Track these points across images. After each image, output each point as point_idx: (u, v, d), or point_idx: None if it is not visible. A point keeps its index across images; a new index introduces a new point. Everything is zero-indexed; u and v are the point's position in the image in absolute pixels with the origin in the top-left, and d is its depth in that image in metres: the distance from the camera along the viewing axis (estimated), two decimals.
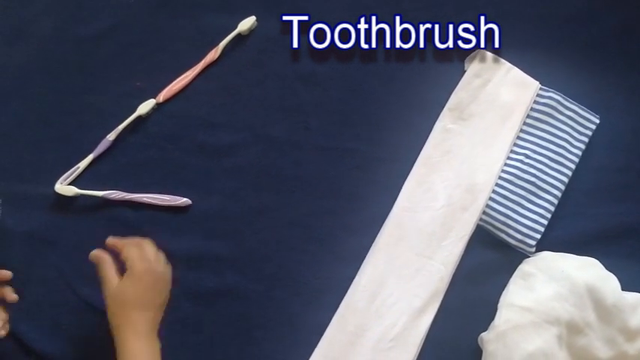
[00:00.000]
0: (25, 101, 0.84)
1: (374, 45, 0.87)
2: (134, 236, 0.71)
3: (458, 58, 0.87)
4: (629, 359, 0.72)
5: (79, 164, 0.80)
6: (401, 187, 0.81)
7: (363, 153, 0.83)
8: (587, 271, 0.74)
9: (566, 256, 0.77)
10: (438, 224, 0.79)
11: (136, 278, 0.66)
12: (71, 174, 0.80)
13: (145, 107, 0.82)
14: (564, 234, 0.80)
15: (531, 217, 0.79)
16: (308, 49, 0.87)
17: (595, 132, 0.83)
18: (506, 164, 0.81)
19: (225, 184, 0.81)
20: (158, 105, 0.84)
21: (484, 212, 0.79)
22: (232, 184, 0.81)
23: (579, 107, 0.83)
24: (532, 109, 0.84)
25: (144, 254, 0.68)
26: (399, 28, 0.87)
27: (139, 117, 0.83)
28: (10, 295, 0.69)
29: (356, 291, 0.76)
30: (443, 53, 0.87)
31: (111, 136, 0.82)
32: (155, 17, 0.88)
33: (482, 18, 0.88)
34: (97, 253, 0.68)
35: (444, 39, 0.88)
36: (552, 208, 0.79)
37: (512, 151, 0.82)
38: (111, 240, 0.70)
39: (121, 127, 0.82)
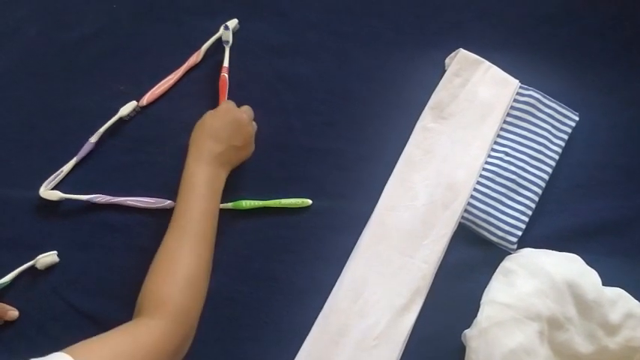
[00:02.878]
0: (9, 106, 0.85)
1: (355, 45, 0.88)
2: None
3: (438, 57, 0.87)
4: (610, 353, 0.73)
5: (63, 168, 0.81)
6: (383, 187, 0.82)
7: (346, 153, 0.83)
8: (567, 267, 0.75)
9: (547, 252, 0.78)
10: (419, 223, 0.79)
11: (216, 113, 0.75)
12: (55, 178, 0.80)
13: (126, 109, 0.83)
14: (545, 230, 0.80)
15: (512, 214, 0.79)
16: (290, 51, 0.87)
17: (574, 129, 0.84)
18: (486, 162, 0.82)
19: None
20: (141, 108, 0.84)
21: (465, 210, 0.80)
22: None
23: (559, 105, 0.84)
24: (512, 107, 0.84)
25: (233, 104, 0.77)
26: (379, 28, 0.88)
27: (121, 119, 0.83)
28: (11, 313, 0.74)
29: (339, 290, 0.77)
30: (423, 53, 0.88)
31: (93, 139, 0.82)
32: (138, 22, 0.89)
33: (462, 17, 0.88)
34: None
35: (424, 38, 0.88)
36: (533, 205, 0.80)
37: (492, 149, 0.83)
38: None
39: (102, 129, 0.82)
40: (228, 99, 0.83)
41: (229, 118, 0.74)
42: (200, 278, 0.65)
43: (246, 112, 0.77)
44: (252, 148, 0.78)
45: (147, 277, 0.65)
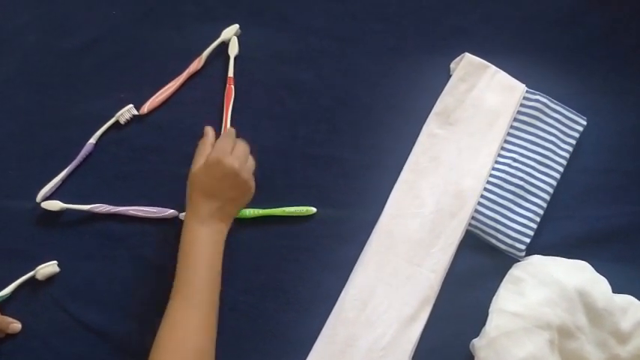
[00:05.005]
0: (8, 114, 0.84)
1: (359, 51, 0.87)
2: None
3: (443, 62, 0.86)
4: None
5: (63, 171, 0.80)
6: (389, 195, 0.81)
7: (351, 160, 0.82)
8: (577, 275, 0.74)
9: (556, 259, 0.77)
10: (426, 231, 0.78)
11: (206, 167, 0.68)
12: (56, 182, 0.79)
13: (124, 115, 0.82)
14: (554, 237, 0.79)
15: (520, 221, 0.78)
16: (293, 57, 0.86)
17: (582, 134, 0.83)
18: (493, 168, 0.81)
19: None
20: (142, 116, 0.83)
21: (473, 217, 0.79)
22: None
23: (566, 109, 0.83)
24: (519, 112, 0.83)
25: (224, 146, 0.69)
26: (383, 34, 0.87)
27: (120, 124, 0.83)
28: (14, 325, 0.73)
29: (345, 300, 0.76)
30: (428, 58, 0.87)
31: (92, 140, 0.82)
32: (138, 28, 0.88)
33: (467, 21, 0.88)
34: (207, 129, 0.73)
35: (428, 43, 0.88)
36: (541, 212, 0.79)
37: (499, 155, 0.82)
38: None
39: (100, 131, 0.82)
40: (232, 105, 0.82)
41: (220, 173, 0.68)
42: (209, 348, 0.63)
43: (239, 157, 0.70)
44: (252, 191, 0.72)
45: (153, 350, 0.62)
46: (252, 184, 0.72)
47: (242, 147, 0.71)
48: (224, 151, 0.69)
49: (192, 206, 0.68)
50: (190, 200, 0.68)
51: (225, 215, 0.69)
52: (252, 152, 0.73)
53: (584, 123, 0.83)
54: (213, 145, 0.71)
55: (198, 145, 0.72)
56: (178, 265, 0.66)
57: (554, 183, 0.80)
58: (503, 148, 0.82)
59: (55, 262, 0.76)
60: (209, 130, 0.74)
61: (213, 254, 0.67)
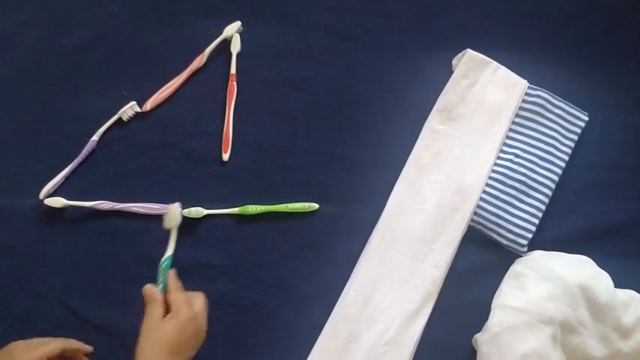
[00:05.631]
0: (10, 112, 0.84)
1: (360, 48, 0.87)
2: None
3: (445, 58, 0.86)
4: (624, 357, 0.72)
5: (66, 168, 0.80)
6: (391, 191, 0.81)
7: (352, 157, 0.82)
8: (579, 270, 0.74)
9: (558, 255, 0.77)
10: (429, 227, 0.79)
11: (179, 323, 0.64)
12: (58, 179, 0.80)
13: (127, 112, 0.83)
14: (556, 233, 0.80)
15: (522, 217, 0.78)
16: (294, 54, 0.86)
17: (584, 129, 0.83)
18: (495, 164, 0.81)
19: (214, 191, 0.81)
20: (145, 113, 0.83)
21: (475, 213, 0.79)
22: (221, 190, 0.81)
23: (568, 105, 0.83)
24: (520, 108, 0.83)
25: (190, 302, 0.67)
26: (384, 30, 0.87)
27: (122, 121, 0.83)
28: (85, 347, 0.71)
29: (348, 296, 0.76)
30: (429, 54, 0.87)
31: (95, 137, 0.82)
32: (140, 25, 0.88)
33: (468, 18, 0.87)
34: (150, 289, 0.67)
35: (430, 40, 0.88)
36: (543, 207, 0.79)
37: (501, 151, 0.82)
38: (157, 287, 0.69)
39: (103, 127, 0.82)
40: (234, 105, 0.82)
41: (192, 330, 0.65)
42: None
43: (203, 312, 0.68)
44: (201, 343, 0.68)
45: None
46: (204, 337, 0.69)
47: (200, 299, 0.69)
48: (192, 309, 0.67)
49: None
50: (152, 357, 0.63)
51: None
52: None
53: (586, 119, 0.83)
54: (162, 304, 0.66)
55: (148, 305, 0.66)
56: None
57: (556, 178, 0.81)
58: (505, 144, 0.82)
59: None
60: (154, 290, 0.68)
61: None
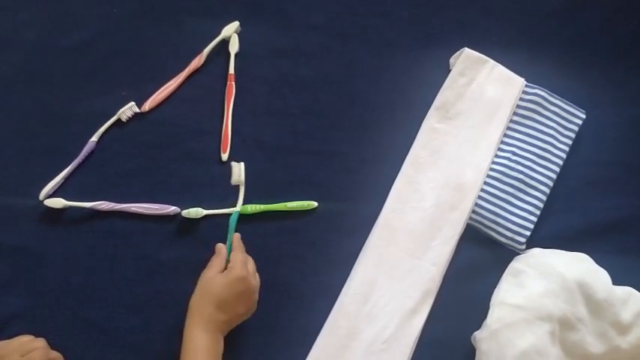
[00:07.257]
0: (9, 112, 0.84)
1: (358, 46, 0.87)
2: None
3: (442, 56, 0.87)
4: (622, 353, 0.73)
5: (66, 169, 0.80)
6: (390, 189, 0.81)
7: (351, 155, 0.83)
8: (577, 267, 0.74)
9: (557, 252, 0.77)
10: (427, 224, 0.79)
11: (230, 279, 0.69)
12: (58, 180, 0.80)
13: (126, 112, 0.83)
14: (554, 230, 0.80)
15: (520, 214, 0.79)
16: (292, 52, 0.87)
17: (581, 127, 0.83)
18: (493, 162, 0.82)
19: (213, 191, 0.81)
20: (144, 114, 0.84)
21: (473, 211, 0.79)
22: (220, 190, 0.81)
23: (565, 103, 0.83)
24: (518, 106, 0.84)
25: (248, 265, 0.71)
26: (382, 29, 0.87)
27: (121, 121, 0.83)
28: None
29: (347, 294, 0.76)
30: (427, 52, 0.87)
31: (94, 137, 0.82)
32: (139, 26, 0.88)
33: (465, 16, 0.88)
34: (220, 245, 0.74)
35: (427, 38, 0.88)
36: (541, 205, 0.80)
37: (499, 149, 0.82)
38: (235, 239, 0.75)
39: (103, 128, 0.82)
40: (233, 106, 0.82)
41: (241, 289, 0.69)
42: None
43: (257, 277, 0.72)
44: (253, 309, 0.72)
45: None
46: (256, 302, 0.72)
47: (253, 265, 0.73)
48: (249, 270, 0.70)
49: (200, 314, 0.67)
50: (198, 308, 0.68)
51: (227, 329, 0.70)
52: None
53: (583, 116, 0.83)
54: (224, 261, 0.72)
55: (213, 258, 0.72)
56: None
57: (554, 176, 0.81)
58: (502, 142, 0.83)
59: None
60: (222, 248, 0.74)
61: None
